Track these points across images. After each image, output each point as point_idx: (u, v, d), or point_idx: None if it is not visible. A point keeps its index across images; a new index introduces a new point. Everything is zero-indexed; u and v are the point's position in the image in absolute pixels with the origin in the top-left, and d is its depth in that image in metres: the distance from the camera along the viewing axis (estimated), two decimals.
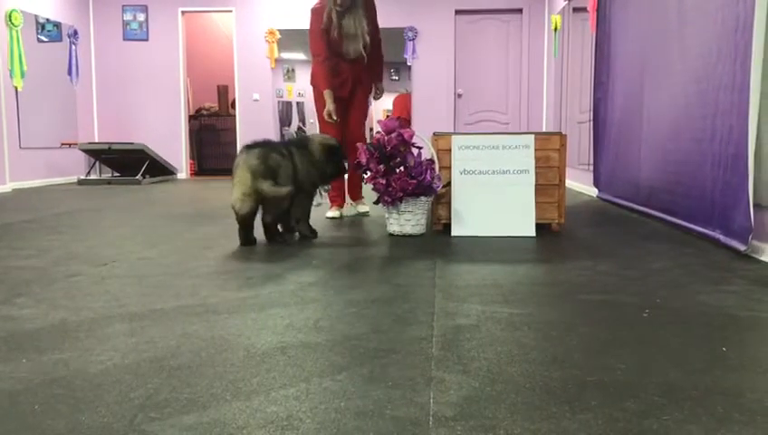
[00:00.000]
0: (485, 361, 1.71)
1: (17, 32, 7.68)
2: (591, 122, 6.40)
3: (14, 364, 1.69)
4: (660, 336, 1.94)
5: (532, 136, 3.98)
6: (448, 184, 3.97)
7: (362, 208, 5.04)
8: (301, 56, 9.81)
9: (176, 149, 9.59)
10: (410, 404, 1.43)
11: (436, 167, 3.92)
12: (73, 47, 8.96)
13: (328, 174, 3.89)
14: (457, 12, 9.11)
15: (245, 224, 3.58)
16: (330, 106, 4.65)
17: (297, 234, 3.87)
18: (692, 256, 3.24)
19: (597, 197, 6.16)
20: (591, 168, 6.43)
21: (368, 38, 4.66)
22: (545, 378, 1.60)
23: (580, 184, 7.13)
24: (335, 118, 4.64)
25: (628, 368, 1.66)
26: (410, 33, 9.27)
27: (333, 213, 4.86)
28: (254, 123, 9.49)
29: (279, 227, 3.78)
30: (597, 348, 1.83)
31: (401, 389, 1.51)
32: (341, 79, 4.75)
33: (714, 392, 1.50)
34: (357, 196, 5.09)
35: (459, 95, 9.31)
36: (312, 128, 10.11)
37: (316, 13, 4.71)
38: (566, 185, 4.12)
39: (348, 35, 4.62)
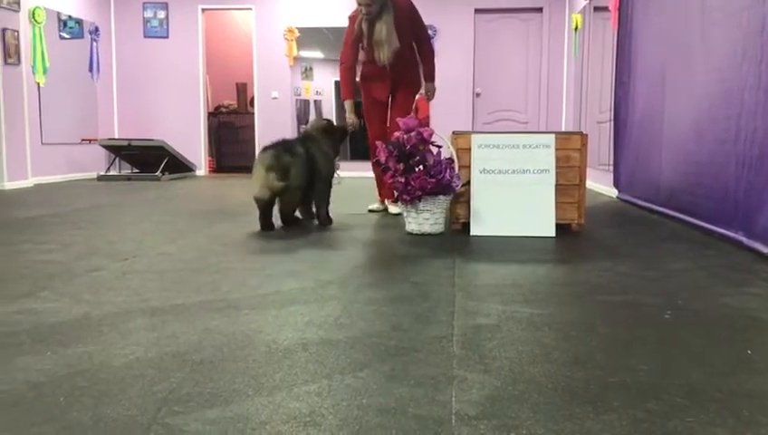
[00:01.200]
0: (507, 360, 1.70)
1: (40, 29, 7.75)
2: (612, 122, 6.35)
3: (39, 357, 1.71)
4: (682, 338, 1.93)
5: (553, 135, 3.96)
6: (467, 183, 3.96)
7: (393, 209, 4.93)
8: (319, 54, 9.83)
9: (195, 146, 9.64)
10: (432, 403, 1.43)
11: (456, 166, 3.91)
12: (94, 44, 9.04)
13: (338, 144, 4.46)
14: (477, 11, 9.08)
15: (264, 212, 4.02)
16: (349, 117, 4.79)
17: (315, 220, 4.36)
18: (713, 258, 3.21)
19: (617, 197, 6.12)
20: (611, 168, 6.39)
21: (397, 43, 4.58)
22: (567, 378, 1.59)
23: (599, 185, 7.08)
24: (353, 128, 4.81)
25: (650, 369, 1.65)
26: (430, 32, 9.24)
27: (376, 205, 5.09)
28: (272, 121, 9.52)
29: (298, 213, 4.33)
30: (618, 349, 1.82)
31: (423, 387, 1.51)
32: (381, 83, 4.78)
33: (738, 395, 1.49)
34: (390, 195, 4.97)
35: (478, 94, 9.28)
36: None
37: (351, 21, 4.76)
38: (586, 185, 4.09)
39: (376, 42, 4.60)
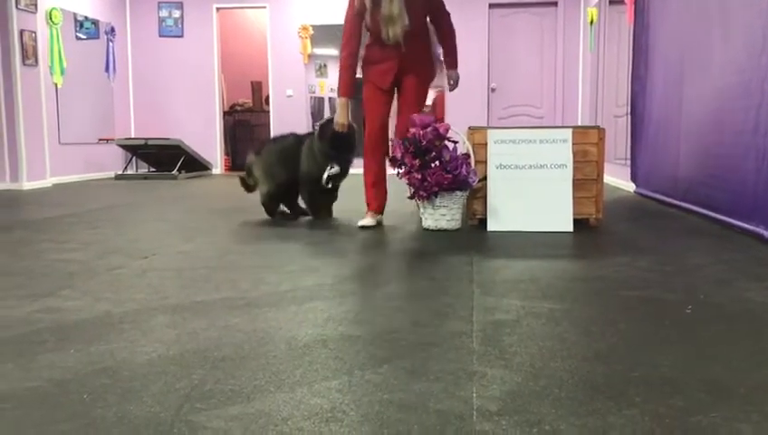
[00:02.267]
0: (527, 356, 1.70)
1: (57, 30, 7.82)
2: (629, 116, 6.31)
3: (63, 354, 1.73)
4: (704, 333, 1.91)
5: (570, 130, 3.94)
6: (484, 178, 3.95)
7: (365, 222, 4.11)
8: (333, 52, 9.82)
9: (210, 145, 9.69)
10: (453, 398, 1.43)
11: (472, 161, 3.90)
12: (110, 44, 9.10)
13: (339, 143, 4.23)
14: (491, 6, 9.05)
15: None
16: (339, 115, 4.09)
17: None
18: (734, 252, 3.18)
19: (634, 192, 6.07)
20: (628, 162, 6.35)
21: (407, 21, 3.88)
22: (588, 373, 1.58)
23: (616, 179, 7.04)
24: (341, 129, 4.10)
25: (672, 364, 1.64)
26: None
27: (367, 221, 4.10)
28: (287, 119, 9.54)
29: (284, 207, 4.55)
30: (639, 344, 1.81)
31: (443, 382, 1.51)
32: (386, 66, 4.03)
33: (763, 390, 1.47)
34: (377, 206, 4.24)
35: (493, 89, 9.24)
36: None
37: None
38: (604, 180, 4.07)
39: (385, 18, 3.88)
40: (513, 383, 1.51)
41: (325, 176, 4.23)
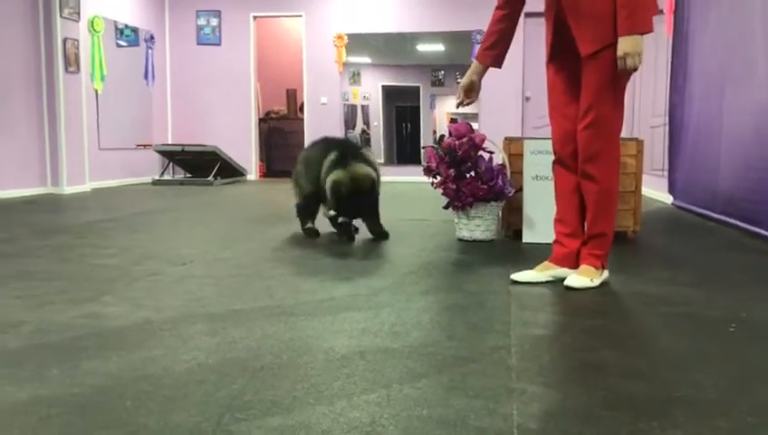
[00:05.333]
0: (566, 372, 1.68)
1: (99, 37, 7.98)
2: (666, 127, 6.22)
3: (104, 361, 1.76)
4: (749, 352, 1.87)
5: None
6: (520, 189, 3.92)
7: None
8: (366, 60, 9.88)
9: (246, 151, 9.78)
10: (493, 415, 1.42)
11: (508, 172, 3.88)
12: (149, 51, 9.25)
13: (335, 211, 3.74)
14: (526, 15, 8.97)
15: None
16: (464, 79, 3.04)
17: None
18: None
19: (672, 204, 5.98)
20: (666, 173, 6.25)
21: None
22: (630, 392, 1.56)
23: (653, 190, 6.94)
24: (461, 100, 3.08)
25: (716, 384, 1.61)
26: (478, 37, 9.20)
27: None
28: (321, 126, 9.58)
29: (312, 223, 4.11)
30: (681, 362, 1.78)
31: (483, 399, 1.50)
32: (552, 35, 2.77)
33: None
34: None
35: (527, 98, 9.19)
36: (377, 131, 10.16)
37: None
38: (641, 191, 4.01)
39: None
40: (553, 401, 1.50)
41: (333, 212, 3.79)
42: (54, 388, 1.57)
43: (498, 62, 2.99)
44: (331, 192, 3.64)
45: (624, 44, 2.47)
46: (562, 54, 2.73)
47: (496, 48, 2.95)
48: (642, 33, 2.48)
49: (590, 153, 2.62)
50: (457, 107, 3.14)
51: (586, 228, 2.74)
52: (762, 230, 3.93)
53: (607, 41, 2.52)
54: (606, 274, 2.72)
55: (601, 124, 2.59)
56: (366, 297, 2.49)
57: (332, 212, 3.77)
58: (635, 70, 2.51)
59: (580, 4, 2.57)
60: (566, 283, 2.65)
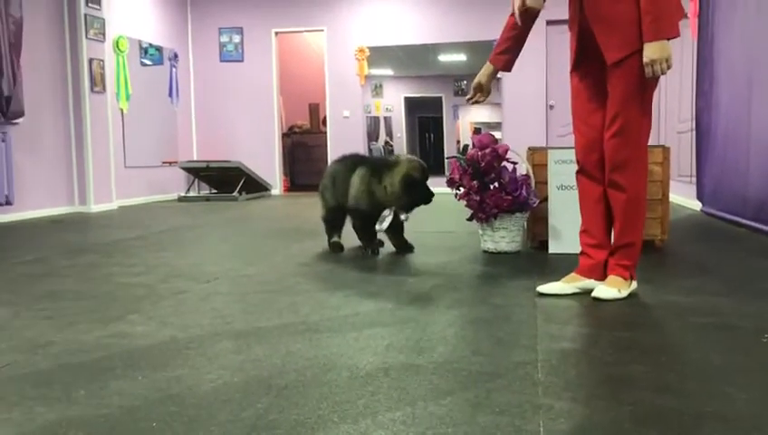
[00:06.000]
0: (594, 387, 1.66)
1: (123, 57, 8.11)
2: (693, 132, 6.14)
3: (131, 381, 1.77)
4: None
5: None
6: (545, 199, 3.89)
7: None
8: (389, 72, 9.91)
9: (270, 166, 9.84)
10: (520, 432, 1.40)
11: (532, 182, 3.85)
12: (173, 69, 9.38)
13: (407, 205, 3.74)
14: (548, 23, 8.96)
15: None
16: (475, 79, 3.06)
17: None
18: None
19: (701, 211, 5.89)
20: (693, 180, 6.16)
21: None
22: (659, 407, 1.53)
23: (681, 197, 6.84)
24: (472, 99, 3.11)
25: (749, 398, 1.57)
26: None
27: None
28: (344, 140, 9.63)
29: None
30: (712, 375, 1.74)
31: (509, 416, 1.48)
32: (576, 43, 2.74)
33: None
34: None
35: (551, 107, 9.14)
36: (399, 142, 10.17)
37: None
38: (669, 199, 3.96)
39: None
40: (581, 417, 1.47)
41: (386, 224, 3.74)
42: (83, 409, 1.58)
43: (508, 67, 3.03)
44: (404, 185, 3.65)
45: (650, 50, 2.42)
46: (587, 62, 2.71)
47: (508, 53, 2.99)
48: (669, 38, 2.43)
49: (618, 162, 2.59)
50: (468, 101, 3.18)
51: (614, 238, 2.70)
52: None
53: (632, 48, 2.48)
54: (635, 284, 2.68)
55: (628, 132, 2.56)
56: (391, 312, 2.48)
57: (388, 222, 3.74)
58: (662, 75, 2.47)
59: (604, 12, 2.54)
60: (594, 294, 2.62)
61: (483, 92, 3.08)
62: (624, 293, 2.63)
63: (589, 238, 2.76)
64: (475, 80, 3.07)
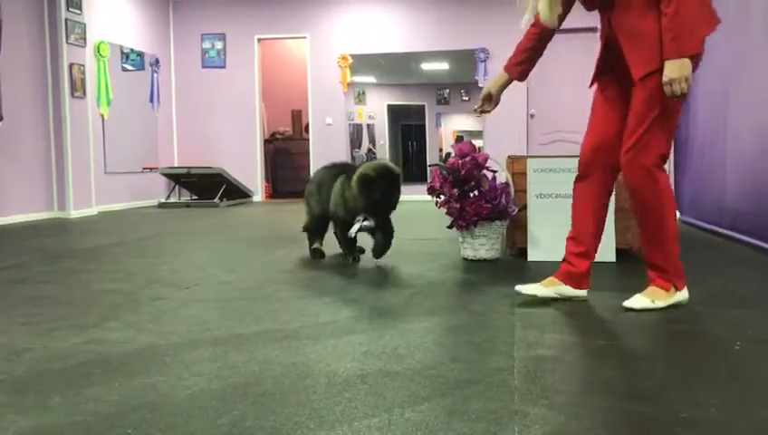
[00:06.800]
0: (570, 394, 1.67)
1: (105, 62, 8.06)
2: (672, 143, 6.21)
3: (107, 388, 1.76)
4: (756, 371, 1.86)
5: None
6: (524, 208, 3.92)
7: None
8: (372, 79, 9.94)
9: (251, 173, 9.82)
10: None
11: (512, 190, 3.88)
12: (155, 75, 9.34)
13: (364, 207, 3.62)
14: None
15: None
16: (483, 89, 3.12)
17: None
18: None
19: (679, 220, 5.96)
20: (672, 189, 6.23)
21: None
22: (634, 413, 1.54)
23: None
24: (480, 109, 3.13)
25: (722, 404, 1.59)
26: (482, 55, 9.26)
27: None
28: (326, 147, 9.64)
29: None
30: (686, 382, 1.76)
31: (484, 422, 1.49)
32: (602, 53, 2.75)
33: None
34: None
35: (532, 116, 9.21)
36: (382, 150, 10.20)
37: None
38: None
39: None
40: (555, 424, 1.49)
41: (355, 229, 3.72)
42: (57, 416, 1.57)
43: (523, 77, 3.03)
44: (359, 185, 3.55)
45: (669, 69, 2.36)
46: (610, 73, 2.69)
47: (525, 64, 2.99)
48: (690, 56, 2.37)
49: (632, 178, 2.56)
50: (474, 111, 3.18)
51: (644, 254, 2.68)
52: None
53: (654, 66, 2.43)
54: (679, 295, 2.64)
55: (645, 149, 2.51)
56: (370, 319, 2.49)
57: (357, 227, 3.68)
58: (683, 95, 2.39)
59: (630, 27, 2.51)
60: (625, 304, 2.60)
61: (491, 103, 3.09)
62: (660, 303, 2.59)
63: (575, 246, 2.75)
64: (485, 90, 3.08)
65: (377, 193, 3.55)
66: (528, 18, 2.81)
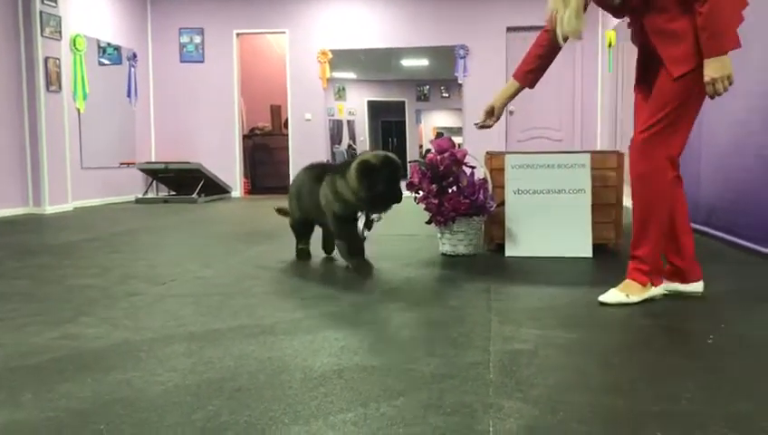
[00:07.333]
0: (545, 388, 1.68)
1: (81, 56, 7.96)
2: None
3: (80, 384, 1.74)
4: (726, 364, 1.88)
5: (589, 155, 3.92)
6: (502, 203, 3.93)
7: None
8: (351, 75, 9.93)
9: (230, 168, 9.76)
10: (470, 432, 1.41)
11: (489, 186, 3.90)
12: (132, 70, 9.24)
13: (366, 199, 3.22)
14: (509, 29, 9.07)
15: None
16: (488, 104, 3.19)
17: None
18: (757, 279, 3.13)
19: None
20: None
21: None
22: (608, 407, 1.56)
23: None
24: (481, 123, 3.21)
25: (693, 397, 1.61)
26: (461, 51, 9.27)
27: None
28: (305, 142, 9.60)
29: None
30: (660, 376, 1.78)
31: (460, 416, 1.50)
32: (639, 57, 2.79)
33: None
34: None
35: (511, 112, 9.25)
36: (363, 146, 10.19)
37: None
38: (623, 204, 4.04)
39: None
40: (530, 417, 1.49)
41: (361, 226, 3.35)
42: (29, 412, 1.55)
43: (533, 85, 3.07)
44: (359, 173, 3.15)
45: (710, 69, 2.34)
46: (650, 78, 2.64)
47: (537, 72, 3.02)
48: (728, 52, 2.33)
49: (637, 164, 2.60)
50: (476, 126, 3.25)
51: (631, 244, 2.73)
52: (743, 241, 3.96)
53: (691, 65, 2.40)
54: (655, 290, 2.67)
55: (656, 138, 2.53)
56: (347, 315, 2.49)
57: (361, 223, 3.32)
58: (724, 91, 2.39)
59: (663, 29, 2.47)
60: (600, 298, 2.63)
61: (494, 117, 3.11)
62: (634, 298, 2.61)
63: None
64: (490, 103, 3.10)
65: (380, 184, 3.15)
66: (561, 33, 2.77)
